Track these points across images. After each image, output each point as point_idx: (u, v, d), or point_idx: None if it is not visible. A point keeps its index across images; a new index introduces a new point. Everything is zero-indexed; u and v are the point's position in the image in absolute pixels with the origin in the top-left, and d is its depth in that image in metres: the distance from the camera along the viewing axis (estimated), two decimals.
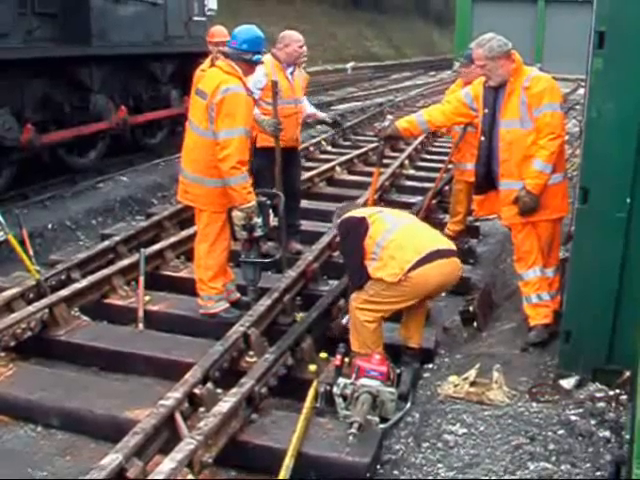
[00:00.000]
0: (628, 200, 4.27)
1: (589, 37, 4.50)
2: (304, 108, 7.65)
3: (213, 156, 5.58)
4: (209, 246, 5.80)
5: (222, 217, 5.74)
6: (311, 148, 13.22)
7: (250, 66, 5.77)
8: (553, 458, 3.90)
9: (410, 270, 4.81)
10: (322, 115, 8.42)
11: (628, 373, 4.36)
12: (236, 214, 5.65)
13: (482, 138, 5.58)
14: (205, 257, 5.84)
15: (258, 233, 5.76)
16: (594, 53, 4.22)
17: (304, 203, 8.56)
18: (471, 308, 6.08)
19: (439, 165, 10.26)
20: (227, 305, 5.91)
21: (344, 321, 5.56)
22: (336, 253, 7.35)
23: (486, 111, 5.50)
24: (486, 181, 5.65)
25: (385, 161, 10.64)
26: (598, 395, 4.46)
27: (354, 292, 5.10)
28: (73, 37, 10.20)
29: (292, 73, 7.33)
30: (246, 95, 5.62)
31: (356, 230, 5.05)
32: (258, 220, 5.70)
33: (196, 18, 13.90)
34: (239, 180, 5.53)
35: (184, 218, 8.29)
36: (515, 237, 5.54)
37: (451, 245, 5.21)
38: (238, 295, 6.14)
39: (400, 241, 4.94)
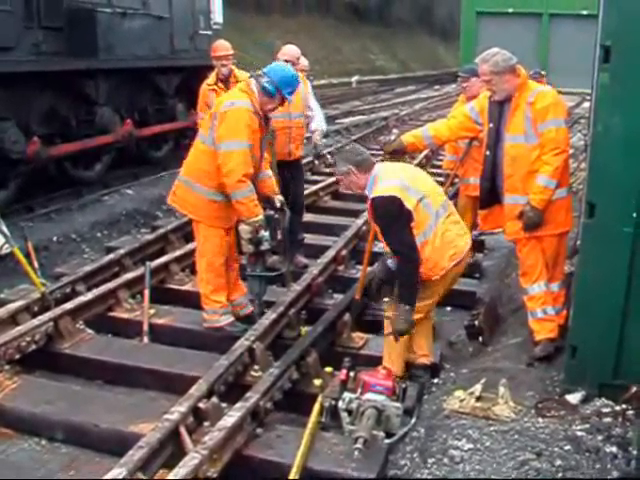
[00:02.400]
0: (634, 214, 4.26)
1: (594, 51, 4.50)
2: (312, 123, 7.65)
3: (206, 165, 5.62)
4: (207, 260, 5.80)
5: (219, 233, 5.74)
6: (316, 162, 13.24)
7: (270, 99, 5.75)
8: (560, 474, 3.87)
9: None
10: (314, 140, 8.45)
11: (635, 388, 4.35)
12: (243, 227, 5.67)
13: (487, 152, 5.58)
14: (205, 271, 5.86)
15: (265, 247, 5.76)
16: (600, 67, 4.22)
17: (309, 217, 8.57)
18: (477, 323, 6.06)
19: (444, 179, 10.22)
20: (232, 319, 5.90)
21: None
22: (341, 267, 7.35)
23: (491, 125, 5.50)
24: (491, 195, 5.64)
25: None
26: (604, 410, 4.43)
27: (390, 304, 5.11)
28: (79, 50, 10.26)
29: None
30: (252, 112, 5.62)
31: (400, 215, 4.89)
32: (265, 233, 5.71)
33: (202, 32, 13.99)
34: (246, 193, 5.53)
35: (189, 231, 8.28)
36: (520, 251, 5.53)
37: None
38: (251, 309, 6.12)
39: (439, 241, 4.95)
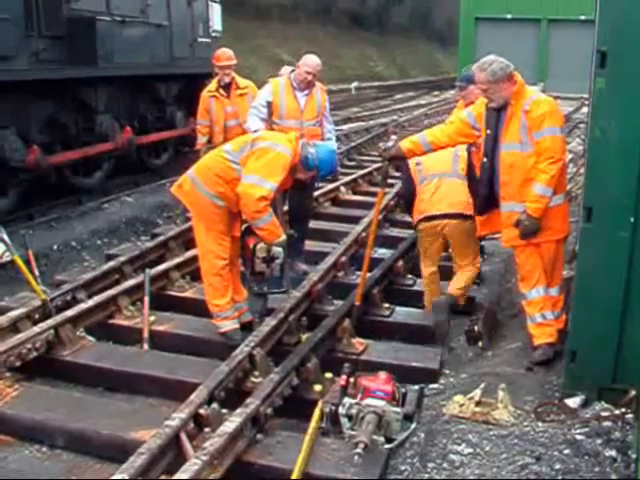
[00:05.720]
0: (632, 219, 4.27)
1: (592, 56, 4.52)
2: (323, 132, 7.64)
3: (220, 172, 5.67)
4: (210, 263, 5.81)
5: (219, 236, 5.76)
6: None
7: (305, 170, 6.02)
8: (559, 478, 3.88)
9: None
10: None
11: (634, 392, 4.36)
12: (261, 247, 5.71)
13: (484, 159, 5.60)
14: (204, 275, 5.90)
15: (279, 260, 5.82)
16: (596, 73, 4.24)
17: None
18: (476, 328, 6.07)
19: None
20: (235, 326, 5.90)
21: None
22: (341, 273, 7.37)
23: (488, 132, 5.52)
24: (488, 202, 5.66)
25: (390, 181, 10.63)
26: (604, 414, 4.44)
27: None
28: (79, 59, 10.28)
29: (307, 95, 7.41)
30: (290, 161, 5.75)
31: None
32: (279, 249, 5.75)
33: (201, 39, 14.03)
34: (267, 220, 5.62)
35: (189, 238, 8.30)
36: (518, 257, 5.54)
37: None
38: (251, 318, 6.12)
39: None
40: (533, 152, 5.23)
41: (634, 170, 4.22)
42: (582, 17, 33.74)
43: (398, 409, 4.41)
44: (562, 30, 39.45)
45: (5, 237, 6.36)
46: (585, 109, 19.95)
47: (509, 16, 41.34)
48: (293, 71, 7.56)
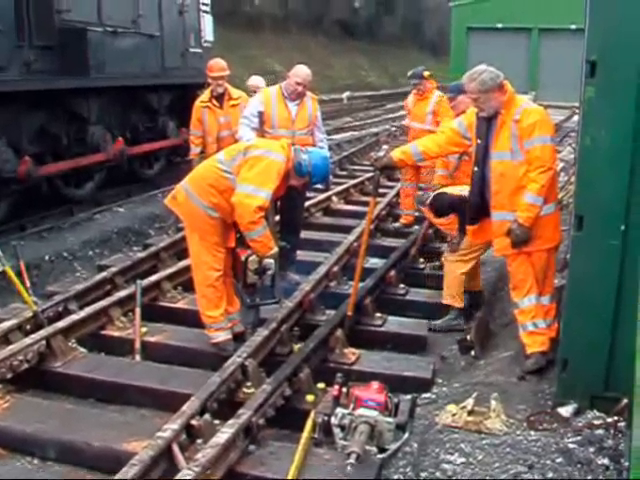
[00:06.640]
0: (622, 227, 4.29)
1: (582, 66, 4.54)
2: (315, 141, 7.64)
3: (213, 181, 5.66)
4: (203, 274, 5.79)
5: (213, 247, 5.75)
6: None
7: (297, 176, 6.01)
8: None
9: None
10: None
11: (626, 400, 4.35)
12: (253, 259, 5.70)
13: (475, 168, 5.61)
14: (198, 286, 5.88)
15: (271, 272, 5.82)
16: (586, 82, 4.26)
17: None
18: (468, 337, 6.08)
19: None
20: (228, 337, 5.88)
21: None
22: (333, 283, 7.36)
23: (479, 141, 5.53)
24: (479, 211, 5.68)
25: (381, 191, 10.67)
26: (596, 422, 4.44)
27: None
28: (70, 69, 10.27)
29: (298, 104, 7.42)
30: (284, 167, 5.77)
31: None
32: (271, 261, 5.75)
33: (193, 50, 14.05)
34: (261, 232, 5.60)
35: (181, 249, 8.29)
36: (510, 265, 5.55)
37: None
38: (243, 329, 6.09)
39: None
40: (524, 161, 5.25)
41: (624, 178, 4.24)
42: (573, 26, 33.96)
43: (391, 419, 4.41)
44: (553, 39, 39.72)
45: None
46: (576, 118, 20.04)
47: (500, 25, 41.57)
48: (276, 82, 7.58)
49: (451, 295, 6.60)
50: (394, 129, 21.17)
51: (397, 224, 10.30)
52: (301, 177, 5.99)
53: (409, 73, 9.99)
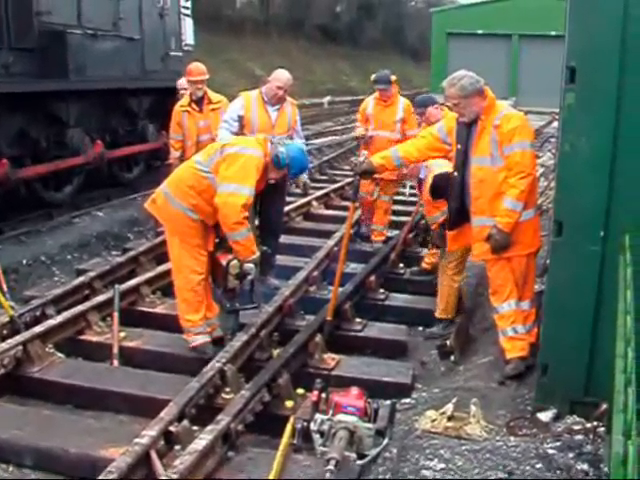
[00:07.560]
0: (602, 233, 4.31)
1: (562, 72, 4.56)
2: None
3: (193, 182, 5.64)
4: (184, 278, 5.75)
5: (194, 250, 5.72)
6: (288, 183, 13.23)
7: (276, 169, 5.99)
8: None
9: None
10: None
11: (605, 405, 4.36)
12: (234, 264, 5.66)
13: (455, 173, 5.62)
14: (178, 291, 5.84)
15: (251, 277, 5.79)
16: (566, 88, 4.28)
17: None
18: (448, 342, 6.09)
19: (415, 199, 10.30)
20: (206, 340, 5.85)
21: None
22: (312, 287, 7.34)
23: (459, 147, 5.55)
24: (459, 216, 5.69)
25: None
26: (576, 428, 4.45)
27: None
28: (50, 72, 10.22)
29: (278, 109, 7.42)
30: (262, 162, 5.76)
31: None
32: (252, 265, 5.72)
33: (173, 53, 14.02)
34: (244, 234, 5.59)
35: (160, 253, 8.24)
36: (489, 270, 5.56)
37: None
38: (222, 334, 6.04)
39: None
40: (503, 167, 5.26)
41: (604, 184, 4.26)
42: (553, 33, 34.13)
43: (370, 425, 4.39)
44: (533, 45, 39.99)
45: None
46: (556, 123, 20.15)
47: (480, 31, 41.79)
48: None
49: (445, 310, 6.64)
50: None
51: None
52: (280, 169, 5.96)
53: (373, 77, 9.25)
